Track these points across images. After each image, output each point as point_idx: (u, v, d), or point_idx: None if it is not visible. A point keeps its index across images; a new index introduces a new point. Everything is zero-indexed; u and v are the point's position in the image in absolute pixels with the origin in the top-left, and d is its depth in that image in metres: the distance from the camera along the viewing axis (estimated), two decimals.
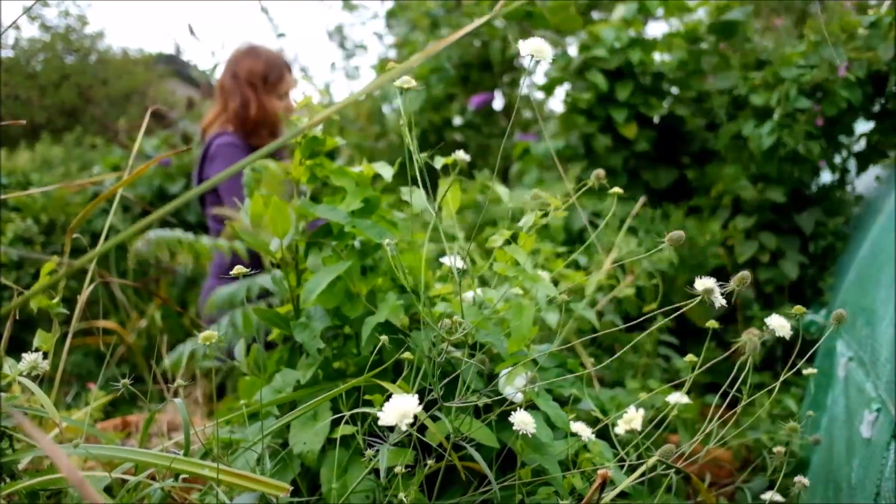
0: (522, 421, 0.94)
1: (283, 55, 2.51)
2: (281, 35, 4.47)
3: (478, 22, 0.66)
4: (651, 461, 0.89)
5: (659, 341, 2.12)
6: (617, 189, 1.12)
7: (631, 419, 0.77)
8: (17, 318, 1.09)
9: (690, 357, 0.93)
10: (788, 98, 2.30)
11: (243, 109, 2.38)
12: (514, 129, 3.59)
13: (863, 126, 2.48)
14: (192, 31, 4.40)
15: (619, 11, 2.93)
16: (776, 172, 2.42)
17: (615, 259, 1.90)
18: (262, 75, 2.38)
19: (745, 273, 0.84)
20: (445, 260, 1.22)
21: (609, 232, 2.23)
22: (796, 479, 1.04)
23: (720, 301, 0.82)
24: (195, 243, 1.71)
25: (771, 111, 2.39)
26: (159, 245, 1.70)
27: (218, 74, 2.69)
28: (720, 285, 0.83)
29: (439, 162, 1.12)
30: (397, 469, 0.90)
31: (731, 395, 0.94)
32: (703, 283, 0.82)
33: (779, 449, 1.05)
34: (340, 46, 4.75)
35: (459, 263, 1.04)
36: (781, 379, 0.93)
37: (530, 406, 1.05)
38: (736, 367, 0.90)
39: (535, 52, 0.87)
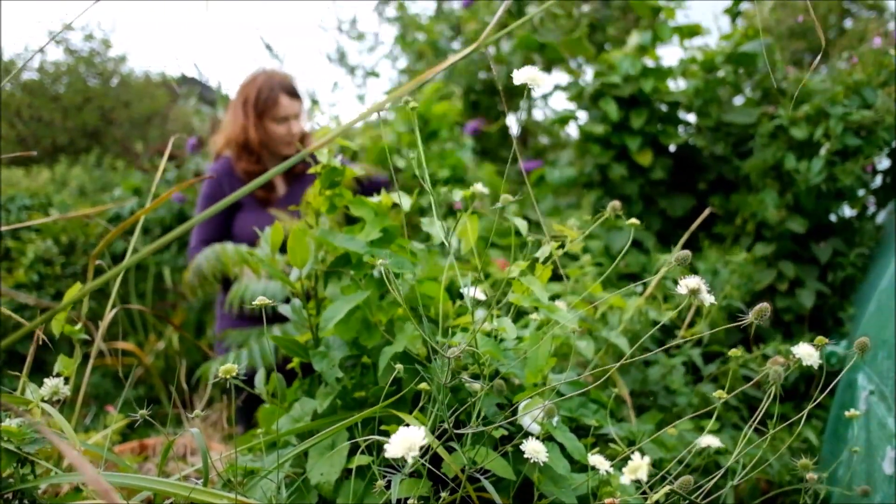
0: (534, 449, 0.94)
1: (278, 79, 2.43)
2: (281, 62, 4.49)
3: (453, 58, 0.67)
4: (663, 490, 0.87)
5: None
6: (634, 221, 1.12)
7: (636, 468, 0.73)
8: (40, 340, 1.11)
9: (720, 392, 0.92)
10: (835, 135, 2.30)
11: (238, 134, 2.39)
12: (514, 156, 3.57)
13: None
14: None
15: (634, 39, 2.94)
16: (813, 205, 2.42)
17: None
18: (254, 100, 2.37)
19: (765, 305, 0.83)
20: (464, 290, 1.22)
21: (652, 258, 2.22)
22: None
23: (709, 299, 0.80)
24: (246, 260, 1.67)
25: (812, 144, 2.38)
26: (204, 276, 1.70)
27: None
28: (740, 315, 0.82)
29: (458, 195, 1.13)
30: (410, 502, 0.89)
31: (752, 426, 0.93)
32: (688, 283, 0.79)
33: None
34: (350, 73, 4.77)
35: (477, 294, 1.04)
36: (805, 412, 0.91)
37: (549, 437, 1.05)
38: (766, 397, 0.89)
39: (529, 80, 0.87)
